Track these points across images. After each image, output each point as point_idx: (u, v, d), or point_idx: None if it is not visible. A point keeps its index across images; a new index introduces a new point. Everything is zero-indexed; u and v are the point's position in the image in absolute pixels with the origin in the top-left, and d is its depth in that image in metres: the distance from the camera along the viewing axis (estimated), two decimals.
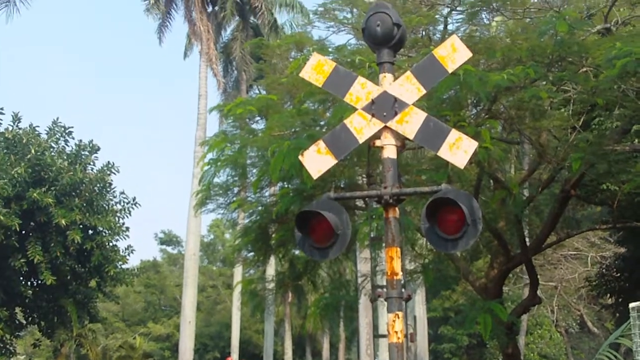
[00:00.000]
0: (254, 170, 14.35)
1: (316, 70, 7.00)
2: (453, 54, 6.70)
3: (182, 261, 48.26)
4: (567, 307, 40.85)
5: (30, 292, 28.94)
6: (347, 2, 16.06)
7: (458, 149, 6.49)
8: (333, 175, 12.37)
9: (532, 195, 15.45)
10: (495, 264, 15.86)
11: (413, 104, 6.66)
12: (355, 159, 12.46)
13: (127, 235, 30.30)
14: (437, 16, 15.39)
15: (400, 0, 15.29)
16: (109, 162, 30.05)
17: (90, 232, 29.02)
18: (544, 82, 12.67)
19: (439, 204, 6.34)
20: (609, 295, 26.51)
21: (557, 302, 39.09)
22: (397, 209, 6.58)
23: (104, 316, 40.32)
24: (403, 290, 6.46)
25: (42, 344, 35.39)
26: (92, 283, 31.02)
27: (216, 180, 14.62)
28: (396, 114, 6.61)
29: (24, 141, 28.13)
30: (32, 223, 28.07)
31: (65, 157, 28.91)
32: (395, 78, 6.83)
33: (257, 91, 44.36)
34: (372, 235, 11.68)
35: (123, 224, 30.06)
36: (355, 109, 6.81)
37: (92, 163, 29.86)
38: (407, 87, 6.69)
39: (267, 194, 16.45)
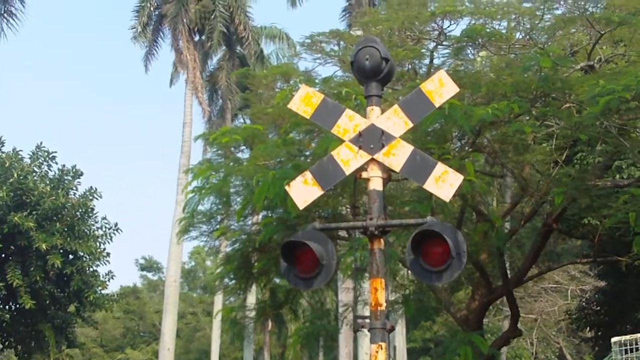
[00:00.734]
0: (238, 199, 14.38)
1: (304, 102, 7.06)
2: (440, 88, 6.79)
3: (163, 287, 48.06)
4: (546, 339, 40.86)
5: (7, 316, 28.62)
6: (334, 35, 16.22)
7: (444, 182, 6.55)
8: (317, 205, 12.41)
9: (515, 228, 15.56)
10: (476, 295, 15.91)
11: (400, 137, 6.73)
12: (339, 189, 12.53)
13: (108, 261, 30.16)
14: (423, 50, 15.55)
15: (387, 33, 15.45)
16: (91, 187, 30.00)
17: (71, 256, 28.85)
18: (528, 117, 12.84)
19: (424, 236, 6.38)
20: (588, 328, 26.62)
21: (537, 334, 39.11)
22: (382, 240, 6.62)
23: (82, 341, 40.00)
24: (386, 321, 6.49)
25: None
26: (71, 308, 30.76)
27: (200, 208, 14.66)
28: (383, 146, 6.67)
29: (7, 165, 28.02)
30: (12, 247, 27.87)
31: (47, 182, 28.81)
32: (382, 111, 6.90)
33: (241, 120, 44.45)
34: (355, 266, 11.72)
35: (104, 249, 29.93)
36: (342, 141, 6.87)
37: (74, 188, 29.76)
38: (394, 120, 6.76)
39: (250, 222, 16.48)
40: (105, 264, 30.22)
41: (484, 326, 18.45)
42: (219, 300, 40.64)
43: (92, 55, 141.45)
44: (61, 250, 27.64)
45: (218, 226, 15.67)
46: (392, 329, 6.58)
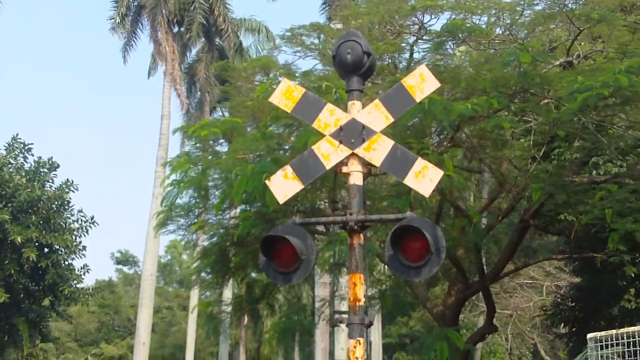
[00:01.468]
0: (217, 193, 14.32)
1: (285, 95, 7.02)
2: (422, 83, 6.77)
3: (138, 281, 47.82)
4: (521, 335, 41.10)
5: None
6: (314, 28, 16.19)
7: (424, 178, 6.54)
8: (295, 199, 12.37)
9: (492, 224, 15.61)
10: (453, 291, 15.95)
11: (380, 132, 6.70)
12: (318, 183, 12.50)
13: (84, 254, 30.07)
14: (403, 44, 15.57)
15: (367, 27, 15.44)
16: (67, 179, 29.92)
17: (46, 250, 28.70)
18: (507, 113, 12.87)
19: (403, 231, 6.37)
20: (563, 324, 26.77)
21: (512, 330, 39.33)
22: (361, 235, 6.60)
23: (56, 336, 39.78)
24: (365, 316, 6.47)
25: None
26: (46, 302, 30.63)
27: (178, 201, 14.57)
28: (364, 141, 6.65)
29: None
30: None
31: (23, 174, 28.66)
32: (363, 105, 6.87)
33: (220, 113, 44.38)
34: (333, 261, 11.69)
35: (80, 242, 29.81)
36: (323, 135, 6.83)
37: (50, 180, 29.65)
38: (375, 115, 6.73)
39: (228, 216, 16.42)
40: (81, 258, 30.16)
41: (460, 322, 18.54)
42: (195, 294, 40.50)
43: (69, 44, 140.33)
44: (36, 243, 27.49)
45: (196, 220, 15.60)
46: (370, 324, 6.56)
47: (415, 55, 15.64)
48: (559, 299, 27.45)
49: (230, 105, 17.79)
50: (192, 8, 40.96)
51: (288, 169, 6.83)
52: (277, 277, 6.80)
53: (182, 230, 16.01)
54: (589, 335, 14.07)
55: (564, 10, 13.87)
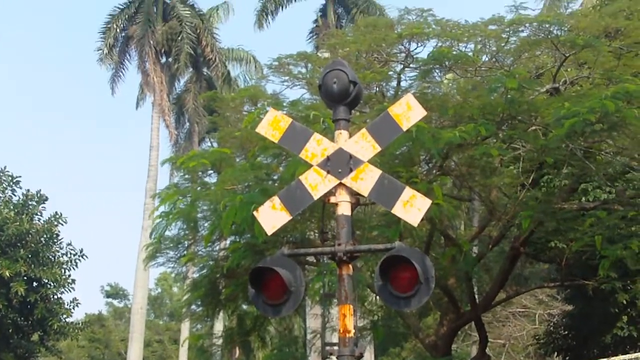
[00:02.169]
0: (206, 224, 14.24)
1: (272, 125, 6.99)
2: (408, 112, 6.75)
3: (129, 315, 47.46)
4: None
5: None
6: (301, 57, 16.24)
7: (412, 207, 6.50)
8: (285, 230, 12.31)
9: (482, 252, 15.57)
10: (445, 321, 15.86)
11: (368, 161, 6.67)
12: (307, 214, 12.45)
13: (73, 288, 29.70)
14: (390, 73, 15.60)
15: (354, 56, 15.47)
16: (56, 212, 29.60)
17: (35, 284, 28.38)
18: (495, 140, 12.88)
19: (392, 261, 6.31)
20: (556, 353, 26.62)
21: (505, 359, 39.13)
22: (350, 266, 6.54)
23: None
24: (355, 348, 6.39)
25: None
26: (35, 337, 30.23)
27: (167, 233, 14.49)
28: (351, 170, 6.61)
29: None
30: None
31: (11, 207, 28.40)
32: (350, 134, 6.84)
33: (209, 143, 44.25)
34: (323, 292, 11.61)
35: (69, 276, 29.48)
36: (310, 166, 6.79)
37: (39, 213, 29.35)
38: (362, 145, 6.70)
39: (217, 248, 16.33)
40: (70, 291, 29.72)
41: (453, 352, 18.42)
42: (185, 327, 40.16)
43: (57, 75, 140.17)
44: (25, 277, 27.16)
45: (185, 252, 15.50)
46: (361, 355, 6.48)
47: (403, 84, 15.71)
48: (551, 328, 27.31)
49: (218, 135, 17.76)
50: (179, 38, 41.03)
51: (276, 199, 6.78)
52: (267, 309, 6.73)
53: (171, 263, 15.91)
54: None
55: (549, 36, 13.93)
